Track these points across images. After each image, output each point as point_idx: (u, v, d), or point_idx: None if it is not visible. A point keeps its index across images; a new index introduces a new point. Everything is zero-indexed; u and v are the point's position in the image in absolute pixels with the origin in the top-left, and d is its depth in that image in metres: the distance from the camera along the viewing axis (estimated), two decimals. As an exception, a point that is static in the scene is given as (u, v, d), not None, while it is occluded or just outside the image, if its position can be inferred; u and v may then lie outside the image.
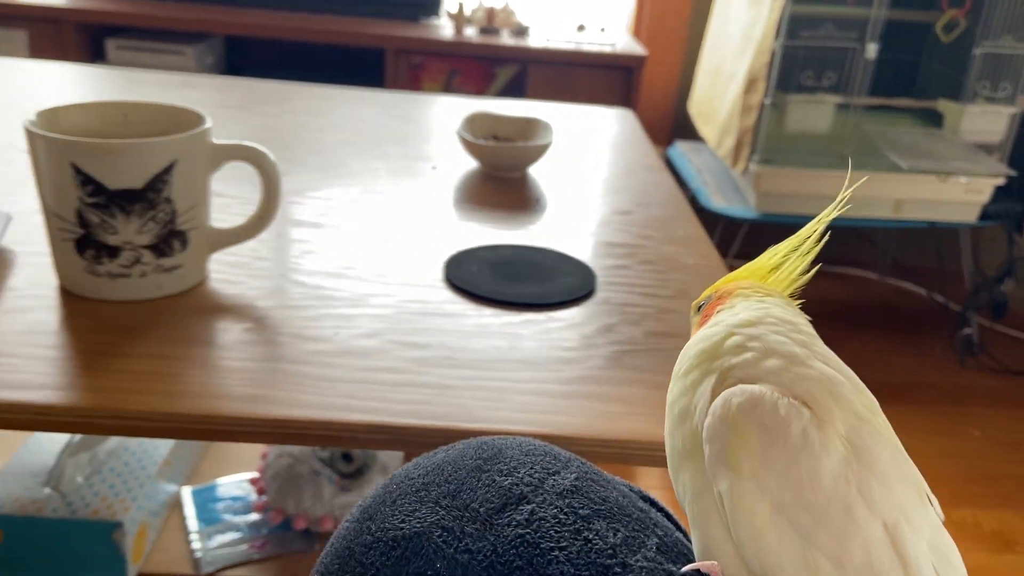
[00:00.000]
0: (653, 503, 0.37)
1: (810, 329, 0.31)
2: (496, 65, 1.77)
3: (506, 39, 1.74)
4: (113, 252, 0.48)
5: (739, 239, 1.75)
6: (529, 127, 0.81)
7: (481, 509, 0.31)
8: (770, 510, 0.25)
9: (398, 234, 0.63)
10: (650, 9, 1.96)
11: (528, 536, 0.30)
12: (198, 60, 1.74)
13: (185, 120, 0.53)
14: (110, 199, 0.47)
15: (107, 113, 0.52)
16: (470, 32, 1.76)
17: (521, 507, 0.31)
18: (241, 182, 0.67)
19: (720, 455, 0.26)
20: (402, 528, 0.30)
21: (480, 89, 1.78)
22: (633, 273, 0.59)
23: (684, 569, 0.30)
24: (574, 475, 0.33)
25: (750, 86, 1.60)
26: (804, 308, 0.33)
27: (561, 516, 0.31)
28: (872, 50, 1.59)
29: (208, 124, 0.50)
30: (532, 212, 0.70)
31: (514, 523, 0.30)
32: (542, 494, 0.32)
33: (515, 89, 1.78)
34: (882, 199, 1.65)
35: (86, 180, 0.46)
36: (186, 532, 0.80)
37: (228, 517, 0.82)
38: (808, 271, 0.33)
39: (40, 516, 0.69)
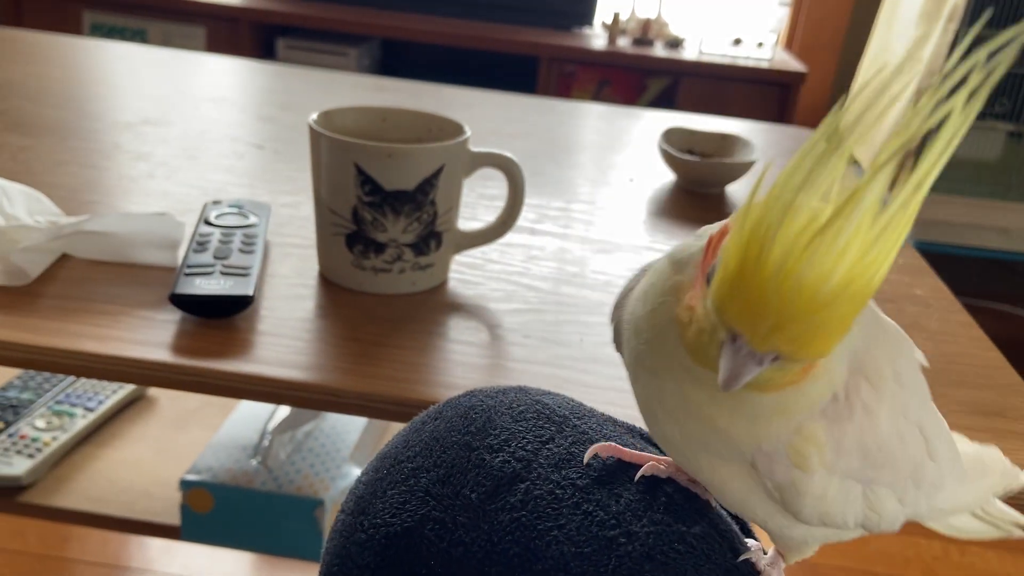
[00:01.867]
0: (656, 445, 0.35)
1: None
2: (647, 76, 1.78)
3: (659, 50, 1.74)
4: (379, 248, 0.51)
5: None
6: (725, 143, 0.81)
7: (473, 495, 0.29)
8: (839, 483, 0.26)
9: (611, 244, 0.64)
10: (804, 23, 1.92)
11: (523, 519, 0.28)
12: (358, 61, 1.81)
13: (439, 127, 0.55)
14: (384, 199, 0.50)
15: (370, 116, 0.56)
16: (623, 42, 1.77)
17: (515, 488, 0.29)
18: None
19: (780, 458, 0.26)
20: (393, 524, 0.29)
21: (630, 100, 1.79)
22: (859, 299, 0.59)
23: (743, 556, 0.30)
24: (569, 440, 0.32)
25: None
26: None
27: (558, 491, 0.29)
28: (1052, 77, 1.51)
29: (468, 133, 0.53)
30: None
31: (508, 507, 0.29)
32: (536, 469, 0.30)
33: (665, 101, 1.77)
34: (1051, 233, 1.57)
35: (366, 180, 0.49)
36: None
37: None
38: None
39: (250, 488, 0.74)
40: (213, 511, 0.75)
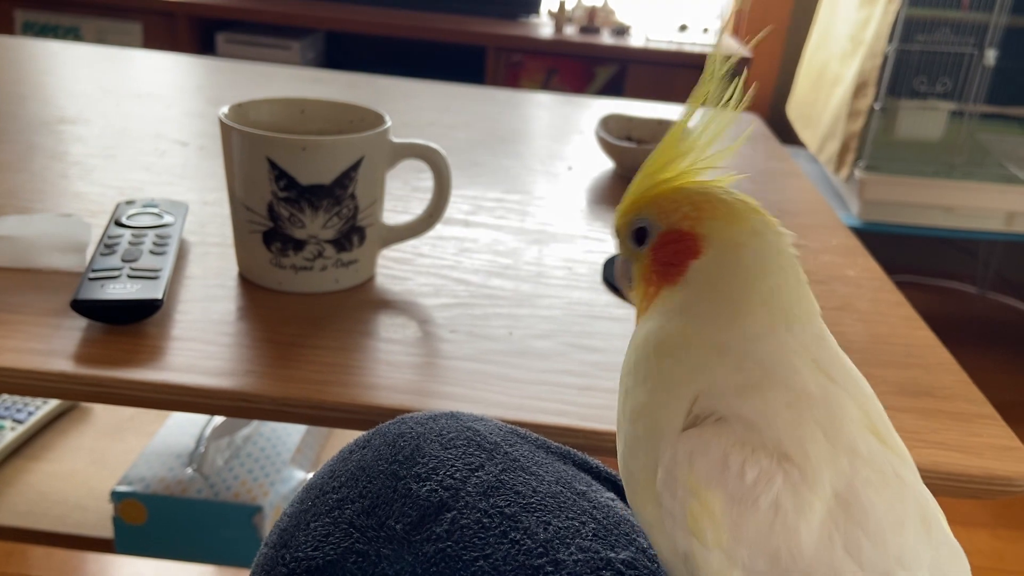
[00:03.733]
0: (597, 474, 0.35)
1: (806, 292, 0.27)
2: (595, 65, 1.77)
3: (606, 38, 1.73)
4: (299, 245, 0.49)
5: (838, 247, 1.71)
6: (663, 129, 0.80)
7: (397, 526, 0.29)
8: None
9: (546, 234, 0.63)
10: (750, 9, 1.93)
11: (449, 549, 0.28)
12: (302, 55, 1.78)
13: (359, 118, 0.53)
14: (300, 194, 0.48)
15: (287, 108, 0.54)
16: (570, 31, 1.76)
17: (441, 517, 0.29)
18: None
19: (679, 518, 0.24)
20: (315, 557, 0.28)
21: (579, 88, 1.78)
22: (794, 282, 0.58)
23: None
24: (499, 467, 0.31)
25: (859, 90, 1.56)
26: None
27: (485, 520, 0.29)
28: (991, 56, 1.53)
29: (389, 123, 0.51)
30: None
31: (433, 537, 0.28)
32: (464, 498, 0.30)
33: (613, 89, 1.77)
34: (993, 210, 1.59)
35: (280, 175, 0.47)
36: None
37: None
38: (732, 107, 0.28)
39: (185, 496, 0.71)
40: (147, 522, 0.72)
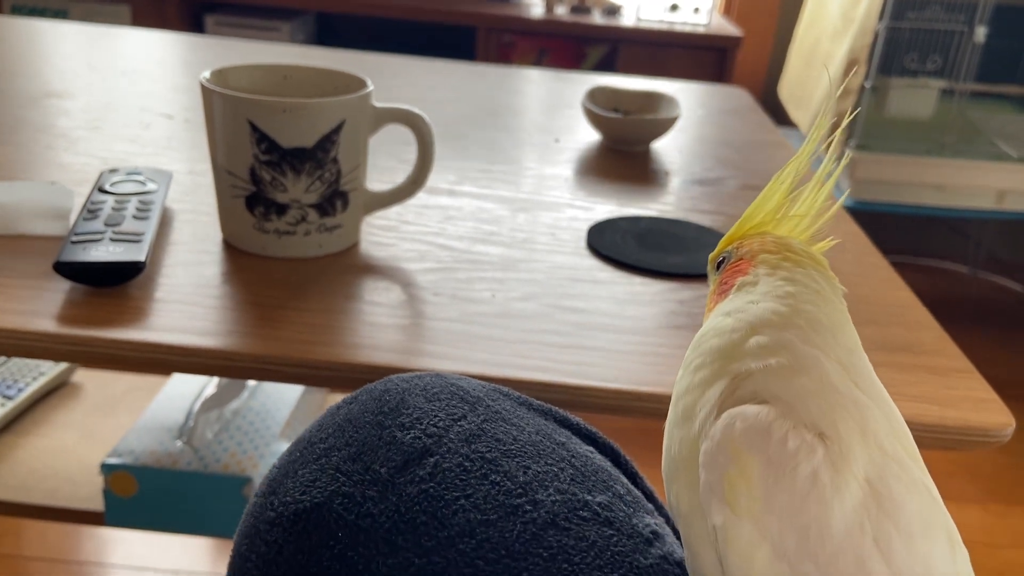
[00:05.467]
0: (577, 430, 0.36)
1: (846, 321, 0.28)
2: (586, 44, 1.76)
3: (597, 18, 1.73)
4: (281, 210, 0.49)
5: (829, 226, 1.71)
6: (651, 101, 0.80)
7: (382, 470, 0.30)
8: (770, 556, 0.22)
9: (531, 203, 0.63)
10: (743, -10, 1.92)
11: (431, 490, 0.29)
12: (292, 37, 1.77)
13: (343, 83, 0.53)
14: (282, 157, 0.48)
15: (269, 75, 0.54)
16: (561, 11, 1.75)
17: (424, 461, 0.30)
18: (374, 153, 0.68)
19: (716, 487, 0.23)
20: (302, 501, 0.29)
21: (570, 69, 1.78)
22: (777, 247, 0.59)
23: None
24: (481, 417, 0.32)
25: (849, 68, 1.56)
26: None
27: (466, 464, 0.30)
28: (981, 34, 1.53)
29: (371, 87, 0.51)
30: (660, 186, 0.69)
31: (416, 479, 0.29)
32: (446, 444, 0.31)
33: (605, 69, 1.76)
34: (984, 189, 1.60)
35: (261, 138, 0.47)
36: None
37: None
38: (827, 207, 0.31)
39: (174, 469, 0.72)
40: (138, 494, 0.73)
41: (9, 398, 0.83)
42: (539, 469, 0.31)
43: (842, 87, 1.57)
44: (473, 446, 0.31)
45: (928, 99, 1.59)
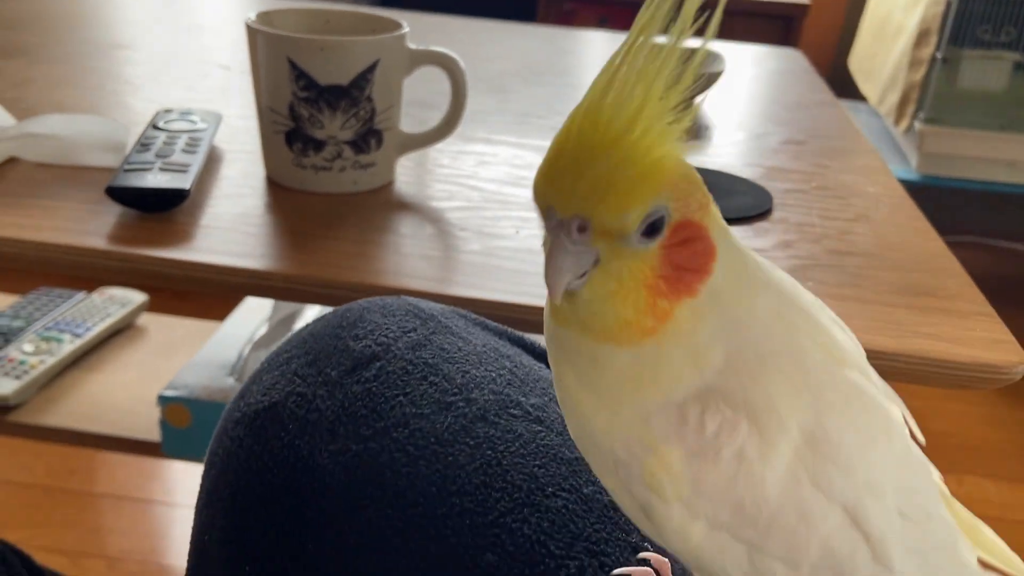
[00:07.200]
0: (532, 349, 0.37)
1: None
2: (648, 14, 1.75)
3: (660, -13, 1.71)
4: (318, 146, 0.51)
5: (894, 203, 1.67)
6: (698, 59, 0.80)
7: (333, 373, 0.32)
8: (706, 529, 0.21)
9: (570, 152, 0.64)
10: (813, -41, 1.87)
11: (374, 388, 0.31)
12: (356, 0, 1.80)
13: (382, 27, 0.55)
14: (319, 94, 0.50)
15: (312, 19, 0.56)
16: (623, -20, 1.74)
17: (371, 365, 0.32)
18: (409, 104, 0.70)
19: (636, 474, 0.22)
20: (263, 401, 0.32)
21: (630, 38, 1.77)
22: (810, 197, 0.58)
23: (617, 572, 0.27)
24: (430, 330, 0.34)
25: (920, 39, 1.51)
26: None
27: (408, 367, 0.32)
28: (1062, 2, 1.46)
29: (406, 28, 0.53)
30: (699, 139, 0.70)
31: (362, 380, 0.32)
32: (393, 351, 0.33)
33: (666, 39, 1.75)
34: (1061, 165, 1.53)
35: (300, 75, 0.49)
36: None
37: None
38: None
39: (225, 402, 0.75)
40: (191, 426, 0.77)
41: (78, 336, 0.88)
42: (477, 374, 0.33)
43: (911, 58, 1.52)
44: (417, 353, 0.33)
45: (1002, 72, 1.53)
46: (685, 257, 0.21)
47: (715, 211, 0.22)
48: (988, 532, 0.25)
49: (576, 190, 0.20)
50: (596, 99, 0.20)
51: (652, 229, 0.20)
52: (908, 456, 0.23)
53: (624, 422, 0.21)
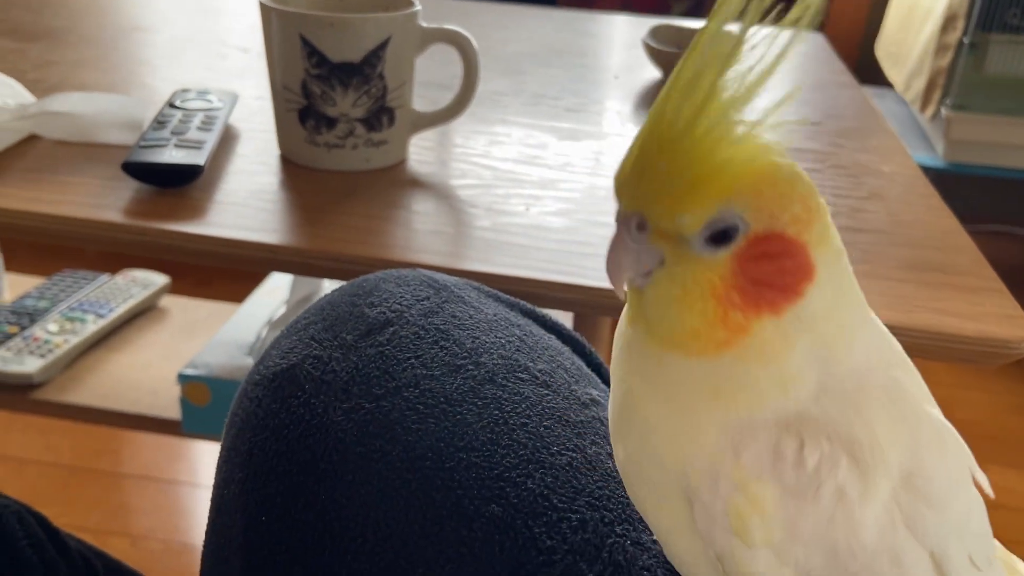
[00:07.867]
0: (542, 321, 0.38)
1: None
2: (670, -1, 1.74)
3: (683, -27, 1.70)
4: (331, 123, 0.52)
5: (920, 190, 1.65)
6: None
7: (348, 337, 0.33)
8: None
9: (580, 132, 0.64)
10: (839, -57, 1.85)
11: (387, 352, 0.32)
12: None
13: (395, 5, 0.56)
14: (331, 71, 0.50)
15: (327, -2, 0.56)
16: (646, -35, 1.73)
17: (385, 330, 0.33)
18: (424, 86, 0.70)
19: (720, 518, 0.20)
20: (281, 363, 0.33)
21: (652, 25, 1.76)
22: (824, 176, 0.58)
23: None
24: (443, 299, 0.35)
25: (948, 23, 1.49)
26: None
27: (421, 332, 0.33)
28: (1094, -15, 1.43)
29: (418, 7, 0.53)
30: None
31: (376, 344, 0.33)
32: (406, 317, 0.34)
33: (688, 25, 1.74)
34: (1091, 153, 1.50)
35: (312, 52, 0.50)
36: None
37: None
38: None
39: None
40: (210, 404, 0.78)
41: (102, 316, 0.90)
42: (487, 339, 0.34)
43: (938, 43, 1.50)
44: (429, 319, 0.34)
45: (1032, 55, 1.50)
46: (767, 272, 0.20)
47: (828, 231, 0.20)
48: (1021, 567, 0.25)
49: (638, 187, 0.20)
50: (666, 91, 0.20)
51: (722, 237, 0.19)
52: (978, 498, 0.22)
53: (705, 445, 0.20)
